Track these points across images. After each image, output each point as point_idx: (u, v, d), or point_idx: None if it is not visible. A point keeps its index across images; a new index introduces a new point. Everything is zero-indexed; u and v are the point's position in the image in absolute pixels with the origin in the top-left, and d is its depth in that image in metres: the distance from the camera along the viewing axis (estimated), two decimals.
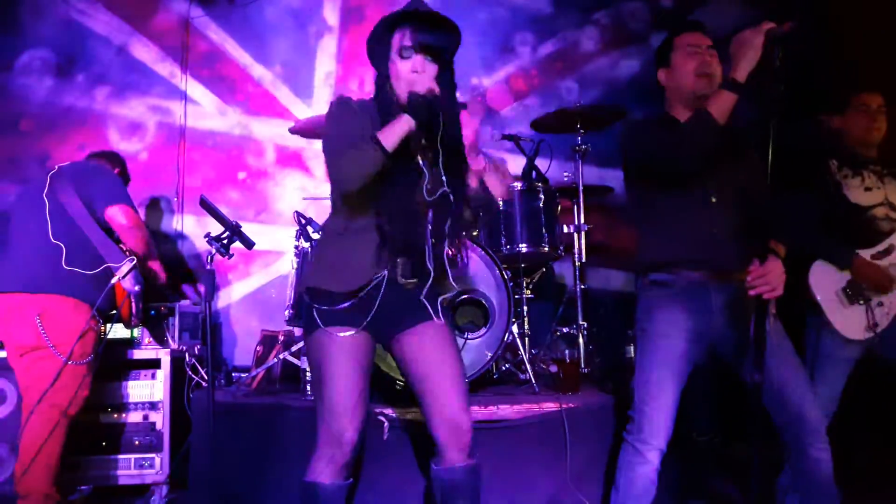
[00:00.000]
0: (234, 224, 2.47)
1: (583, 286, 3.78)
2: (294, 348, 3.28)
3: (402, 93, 1.92)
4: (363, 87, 4.74)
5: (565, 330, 3.80)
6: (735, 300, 2.20)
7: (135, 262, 2.88)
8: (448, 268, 2.01)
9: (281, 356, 3.29)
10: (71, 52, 4.60)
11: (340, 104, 1.98)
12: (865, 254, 2.67)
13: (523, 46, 5.03)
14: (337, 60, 4.90)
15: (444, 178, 1.94)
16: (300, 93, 4.85)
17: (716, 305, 2.23)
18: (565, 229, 3.71)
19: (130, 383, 3.26)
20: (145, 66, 4.71)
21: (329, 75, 4.90)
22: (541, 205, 3.41)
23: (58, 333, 2.68)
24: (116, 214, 2.88)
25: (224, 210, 2.59)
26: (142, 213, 4.59)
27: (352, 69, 4.87)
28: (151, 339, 3.39)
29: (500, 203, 3.40)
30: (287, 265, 4.30)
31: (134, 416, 3.23)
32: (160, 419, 3.24)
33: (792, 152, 2.35)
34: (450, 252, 1.99)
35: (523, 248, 3.36)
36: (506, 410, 2.73)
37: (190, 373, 3.42)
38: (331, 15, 4.94)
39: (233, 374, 3.89)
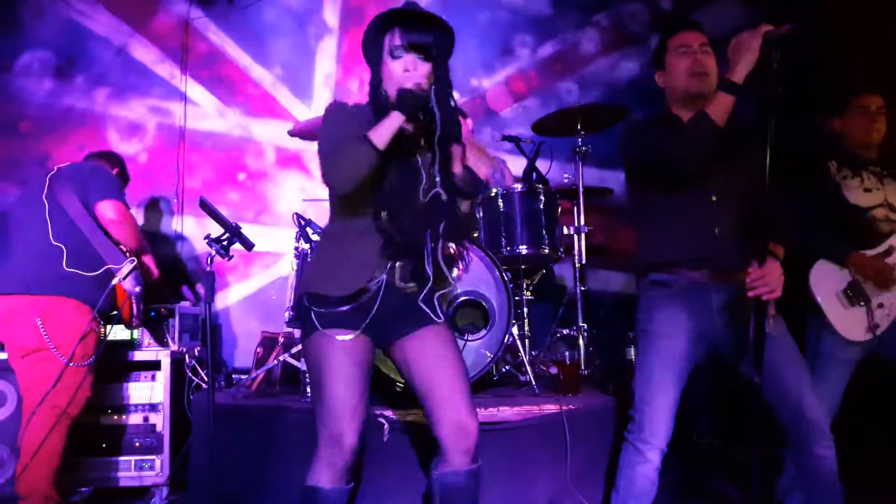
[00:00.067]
0: (233, 225, 2.47)
1: (583, 288, 3.78)
2: (294, 350, 3.27)
3: (395, 93, 1.91)
4: (363, 88, 4.74)
5: (565, 331, 3.80)
6: (735, 300, 2.20)
7: (135, 263, 2.89)
8: (447, 271, 2.01)
9: (281, 358, 3.29)
10: (71, 53, 4.60)
11: (334, 108, 1.98)
12: None
13: (523, 48, 5.04)
14: (337, 62, 4.91)
15: (437, 178, 1.94)
16: (300, 94, 4.86)
17: (716, 305, 2.23)
18: (565, 231, 3.71)
19: (130, 385, 3.26)
20: (145, 67, 4.71)
21: (329, 76, 4.91)
22: (541, 206, 3.40)
23: (59, 335, 2.68)
24: (105, 209, 2.88)
25: (224, 211, 2.59)
26: (141, 214, 4.60)
27: (352, 70, 4.88)
28: (152, 340, 3.39)
29: (487, 182, 3.40)
30: (287, 267, 4.29)
31: (134, 418, 3.23)
32: (160, 421, 3.23)
33: (791, 153, 2.36)
34: (451, 251, 1.99)
35: (523, 249, 3.36)
36: (506, 412, 2.73)
37: (190, 374, 3.42)
38: (331, 16, 4.95)
39: (233, 376, 3.88)
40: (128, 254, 2.92)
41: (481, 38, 4.98)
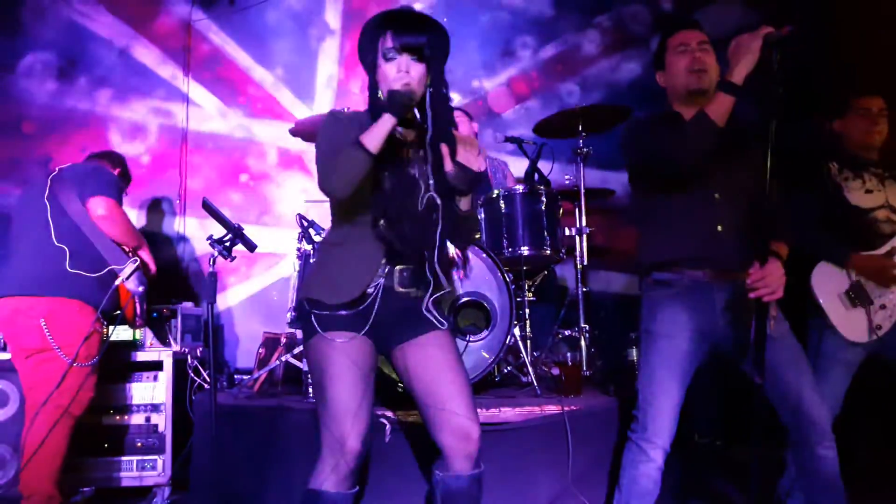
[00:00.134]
0: (236, 226, 2.47)
1: (584, 289, 3.78)
2: (296, 350, 3.28)
3: None
4: (364, 92, 4.75)
5: (567, 333, 3.80)
6: (738, 300, 2.20)
7: (137, 263, 2.89)
8: (446, 275, 2.00)
9: (283, 358, 3.30)
10: (73, 54, 4.62)
11: (330, 117, 1.99)
12: None
13: (524, 49, 5.04)
14: (339, 63, 4.92)
15: (431, 181, 1.94)
16: (302, 95, 4.87)
17: (719, 305, 2.23)
18: (567, 232, 3.71)
19: (133, 385, 3.26)
20: (147, 68, 4.73)
21: (331, 78, 4.92)
22: (543, 207, 3.41)
23: (63, 336, 2.69)
24: (95, 206, 2.86)
25: (226, 212, 2.59)
26: (144, 215, 4.61)
27: (354, 72, 4.88)
28: (155, 340, 3.40)
29: (480, 172, 3.38)
30: (289, 267, 4.31)
31: (136, 418, 3.23)
32: (162, 421, 3.24)
33: (792, 155, 2.36)
34: (455, 255, 1.98)
35: (525, 250, 3.36)
36: (508, 413, 2.73)
37: (192, 375, 3.42)
38: (332, 18, 4.96)
39: (235, 377, 3.89)
40: (130, 254, 2.93)
41: (482, 40, 4.99)
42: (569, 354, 3.37)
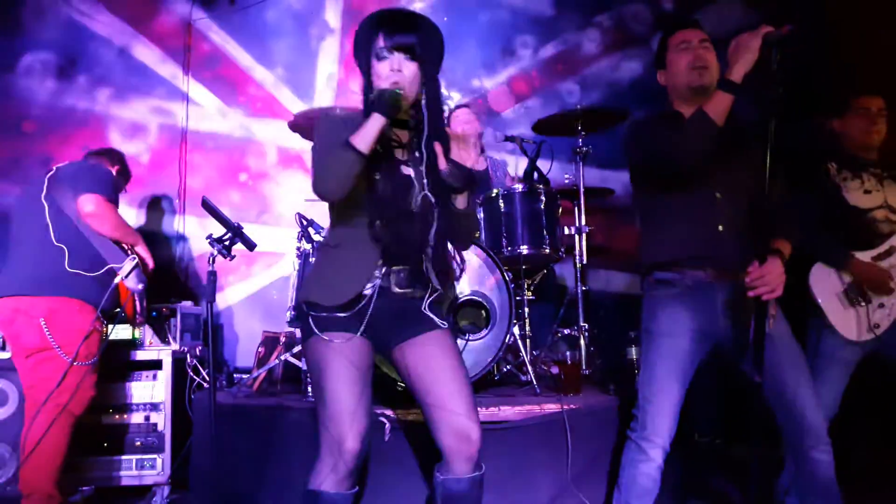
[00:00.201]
0: (235, 225, 2.47)
1: (584, 288, 3.78)
2: (295, 349, 3.28)
3: None
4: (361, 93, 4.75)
5: (566, 331, 3.81)
6: (739, 299, 2.20)
7: (136, 261, 2.89)
8: (445, 275, 2.00)
9: (282, 357, 3.30)
10: (73, 53, 4.61)
11: (324, 119, 1.99)
12: (865, 256, 2.68)
13: (524, 48, 5.05)
14: (339, 62, 4.92)
15: (425, 181, 1.94)
16: (302, 95, 4.87)
17: (720, 304, 2.24)
18: (566, 231, 3.72)
19: (132, 384, 3.26)
20: (147, 67, 4.72)
21: (331, 77, 4.92)
22: (542, 206, 3.41)
23: (63, 335, 2.69)
24: (84, 203, 2.82)
25: (226, 211, 2.59)
26: (143, 213, 4.61)
27: (354, 71, 4.83)
28: (154, 339, 3.39)
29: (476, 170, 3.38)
30: (289, 266, 4.30)
31: (135, 417, 3.23)
32: (162, 420, 3.24)
33: (791, 154, 2.37)
34: (453, 258, 1.98)
35: (524, 249, 3.36)
36: (507, 412, 2.74)
37: (191, 374, 3.42)
38: (332, 17, 4.96)
39: (234, 376, 3.88)
40: (129, 251, 2.93)
41: (482, 39, 4.99)
42: (568, 353, 3.36)
